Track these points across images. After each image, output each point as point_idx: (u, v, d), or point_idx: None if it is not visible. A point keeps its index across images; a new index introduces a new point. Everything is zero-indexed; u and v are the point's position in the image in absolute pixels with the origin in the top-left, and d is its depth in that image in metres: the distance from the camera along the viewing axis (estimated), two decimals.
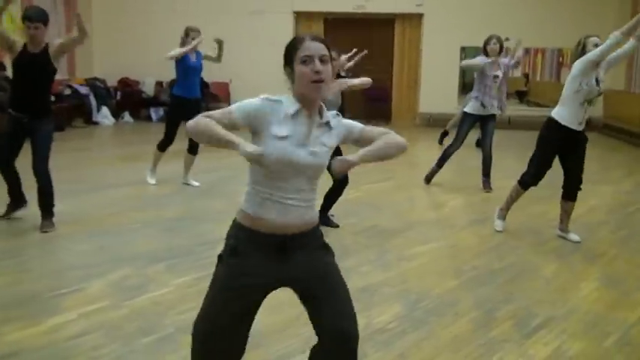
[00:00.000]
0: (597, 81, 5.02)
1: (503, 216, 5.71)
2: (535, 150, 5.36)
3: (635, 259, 5.06)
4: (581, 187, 5.38)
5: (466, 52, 14.29)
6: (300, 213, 2.21)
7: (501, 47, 7.04)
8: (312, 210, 2.28)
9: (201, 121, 2.09)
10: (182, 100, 6.94)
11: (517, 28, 13.03)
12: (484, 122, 7.22)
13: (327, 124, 2.26)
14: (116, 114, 13.75)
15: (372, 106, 14.45)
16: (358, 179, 7.74)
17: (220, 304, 2.23)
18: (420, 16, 14.18)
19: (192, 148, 7.11)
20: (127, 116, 13.92)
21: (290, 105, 2.18)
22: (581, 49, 5.06)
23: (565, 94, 5.11)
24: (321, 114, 2.25)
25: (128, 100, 14.07)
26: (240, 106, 2.17)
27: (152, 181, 7.24)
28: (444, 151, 7.42)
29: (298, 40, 2.20)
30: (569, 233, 5.46)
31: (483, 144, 7.33)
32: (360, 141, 2.32)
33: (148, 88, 14.24)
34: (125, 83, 14.25)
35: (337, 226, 5.53)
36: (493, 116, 7.23)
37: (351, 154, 2.23)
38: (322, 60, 2.15)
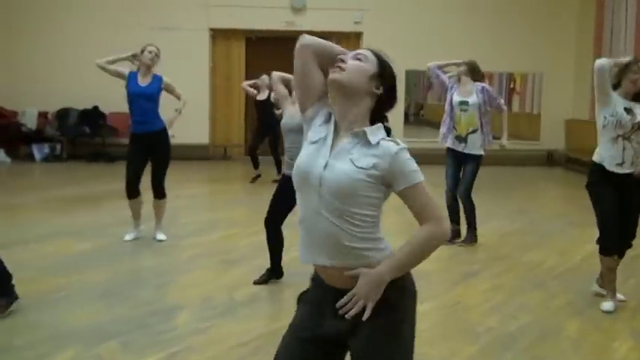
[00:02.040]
0: (629, 110, 5.08)
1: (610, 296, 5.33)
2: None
3: None
4: (633, 243, 5.36)
5: (409, 76, 14.77)
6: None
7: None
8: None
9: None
10: (131, 137, 6.88)
11: (464, 50, 13.60)
12: (462, 160, 7.18)
13: (364, 137, 2.22)
14: None
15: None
16: None
17: None
18: (358, 35, 14.54)
19: (158, 192, 6.98)
20: (1, 155, 13.29)
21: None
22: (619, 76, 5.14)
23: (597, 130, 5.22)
24: (353, 128, 2.27)
25: (2, 134, 13.45)
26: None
27: (160, 236, 7.10)
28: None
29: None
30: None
31: (459, 187, 7.16)
32: (403, 200, 2.24)
33: (29, 121, 13.69)
34: None
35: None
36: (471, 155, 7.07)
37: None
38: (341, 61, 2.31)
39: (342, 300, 2.17)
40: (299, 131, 5.13)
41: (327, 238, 2.18)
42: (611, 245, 5.18)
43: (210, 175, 12.91)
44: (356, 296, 2.16)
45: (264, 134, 11.26)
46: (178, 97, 7.03)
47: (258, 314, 5.06)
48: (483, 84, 7.12)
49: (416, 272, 6.31)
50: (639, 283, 6.09)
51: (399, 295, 2.24)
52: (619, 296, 5.43)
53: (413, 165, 2.17)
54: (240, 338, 4.50)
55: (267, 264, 5.75)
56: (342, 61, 2.26)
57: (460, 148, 7.02)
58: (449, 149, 7.13)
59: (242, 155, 14.26)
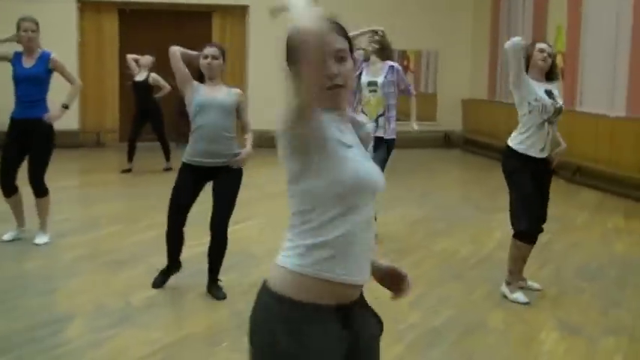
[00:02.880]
0: (551, 94, 5.27)
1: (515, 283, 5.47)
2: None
3: (582, 299, 5.51)
4: (544, 227, 5.55)
5: None
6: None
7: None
8: None
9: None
10: (10, 123, 6.53)
11: (359, 25, 13.71)
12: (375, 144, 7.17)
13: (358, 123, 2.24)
14: None
15: (182, 123, 14.23)
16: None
17: None
18: (244, 8, 14.34)
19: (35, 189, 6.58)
20: None
21: None
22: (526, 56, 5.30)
23: (519, 117, 5.35)
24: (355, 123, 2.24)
25: None
26: None
27: (40, 239, 6.63)
28: None
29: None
30: (528, 281, 5.62)
31: None
32: None
33: None
34: None
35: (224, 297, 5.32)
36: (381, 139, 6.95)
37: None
38: (341, 58, 2.08)
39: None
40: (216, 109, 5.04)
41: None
42: (535, 232, 5.34)
43: (82, 165, 12.38)
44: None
45: (143, 120, 10.92)
46: (70, 81, 6.69)
47: (158, 321, 4.89)
48: (393, 63, 7.10)
49: None
50: (556, 269, 6.32)
51: None
52: (534, 284, 5.64)
53: None
54: (143, 350, 4.33)
55: (160, 263, 5.58)
56: (335, 76, 2.06)
57: (377, 132, 6.97)
58: None
59: (117, 142, 13.82)
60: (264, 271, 2.11)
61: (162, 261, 5.62)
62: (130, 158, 10.94)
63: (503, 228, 7.65)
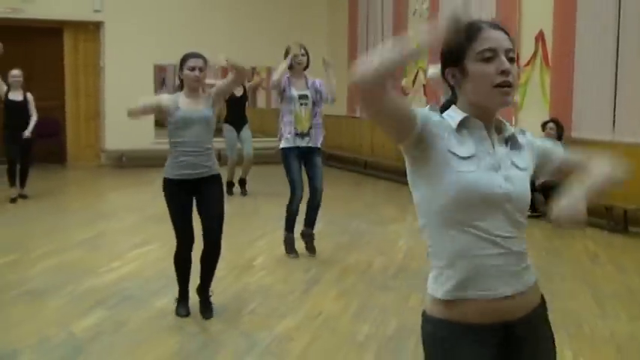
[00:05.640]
0: None
1: None
2: None
3: None
4: None
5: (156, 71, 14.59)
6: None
7: (308, 60, 7.23)
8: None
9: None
10: None
11: (214, 43, 13.75)
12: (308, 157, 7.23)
13: (513, 139, 2.15)
14: None
15: (39, 143, 13.65)
16: (117, 244, 7.50)
17: None
18: (98, 24, 13.98)
19: None
20: None
21: (452, 116, 2.08)
22: None
23: None
24: (499, 127, 2.15)
25: None
26: (419, 108, 2.04)
27: None
28: (287, 210, 7.29)
29: (473, 27, 2.05)
30: None
31: (312, 185, 7.25)
32: (561, 172, 2.25)
33: None
34: None
35: (208, 318, 5.26)
36: (316, 149, 7.23)
37: (572, 191, 2.06)
38: (510, 59, 2.03)
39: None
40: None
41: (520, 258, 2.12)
42: None
43: None
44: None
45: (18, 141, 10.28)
46: None
47: (115, 350, 4.72)
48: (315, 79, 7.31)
49: (256, 287, 6.32)
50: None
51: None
52: None
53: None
54: None
55: (78, 289, 5.59)
56: (506, 74, 2.02)
57: (304, 142, 7.11)
58: (289, 149, 7.12)
59: None
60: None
61: (80, 288, 5.75)
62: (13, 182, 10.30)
63: (403, 238, 8.09)
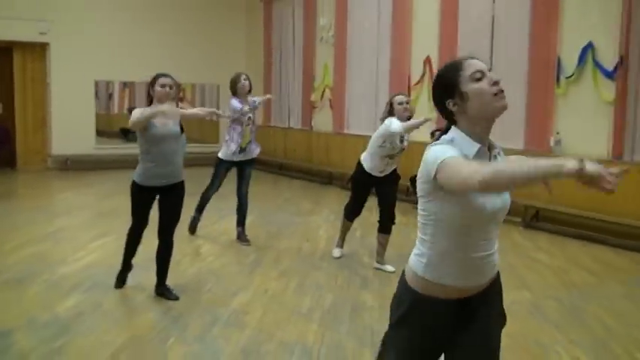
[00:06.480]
0: (402, 139, 6.01)
1: (341, 245, 6.72)
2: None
3: None
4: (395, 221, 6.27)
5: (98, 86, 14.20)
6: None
7: (250, 84, 7.16)
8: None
9: (488, 169, 1.85)
10: None
11: (149, 62, 13.54)
12: (241, 167, 7.27)
13: (499, 155, 2.24)
14: None
15: None
16: (78, 237, 7.36)
17: None
18: (44, 45, 13.50)
19: None
20: None
21: (465, 144, 2.12)
22: (390, 107, 5.94)
23: (371, 145, 6.06)
24: (491, 145, 2.21)
25: None
26: (451, 151, 2.04)
27: None
28: (201, 196, 7.44)
29: (456, 63, 2.17)
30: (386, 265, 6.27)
31: (240, 192, 7.32)
32: None
33: None
34: None
35: (177, 298, 5.22)
36: (251, 161, 7.30)
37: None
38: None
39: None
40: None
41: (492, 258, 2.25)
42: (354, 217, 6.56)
43: None
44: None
45: None
46: None
47: (100, 326, 4.59)
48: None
49: (207, 270, 6.28)
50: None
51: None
52: (389, 267, 6.21)
53: None
54: (104, 351, 4.13)
55: (52, 276, 5.63)
56: (498, 84, 2.11)
57: (241, 157, 7.14)
58: (226, 161, 7.17)
59: None
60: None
61: (54, 276, 5.71)
62: None
63: (322, 228, 8.22)
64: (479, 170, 1.86)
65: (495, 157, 2.22)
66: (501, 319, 2.38)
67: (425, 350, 2.29)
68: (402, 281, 2.32)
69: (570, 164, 1.71)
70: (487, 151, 2.18)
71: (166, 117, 5.02)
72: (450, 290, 2.20)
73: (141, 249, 5.43)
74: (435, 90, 2.23)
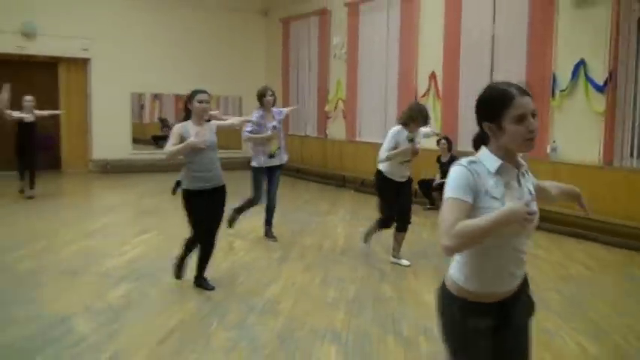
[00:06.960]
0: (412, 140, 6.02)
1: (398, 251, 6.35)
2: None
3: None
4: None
5: (133, 98, 14.29)
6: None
7: (275, 99, 7.20)
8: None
9: (454, 232, 1.95)
10: None
11: (180, 77, 13.71)
12: (272, 171, 7.25)
13: (527, 171, 2.27)
14: None
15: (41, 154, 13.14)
16: (122, 233, 7.37)
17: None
18: (86, 60, 13.60)
19: None
20: None
21: (490, 161, 2.15)
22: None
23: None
24: (518, 163, 2.22)
25: None
26: (459, 187, 2.07)
27: None
28: (246, 202, 7.37)
29: (507, 96, 2.12)
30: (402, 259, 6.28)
31: (270, 194, 7.31)
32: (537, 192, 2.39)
33: None
34: None
35: (213, 288, 5.26)
36: (279, 166, 7.30)
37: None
38: (533, 115, 2.13)
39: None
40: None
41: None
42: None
43: None
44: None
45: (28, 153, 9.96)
46: None
47: (149, 313, 4.69)
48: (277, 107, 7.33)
49: (240, 264, 6.29)
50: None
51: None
52: (404, 262, 6.23)
53: None
54: (158, 333, 4.23)
55: (101, 268, 5.69)
56: (533, 132, 2.13)
57: (272, 162, 7.17)
58: (260, 168, 7.15)
59: None
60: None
61: (102, 268, 5.80)
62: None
63: (340, 226, 8.26)
64: (449, 232, 1.97)
65: (523, 174, 2.24)
66: (532, 308, 2.41)
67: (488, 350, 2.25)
68: (446, 294, 2.27)
69: (507, 210, 1.96)
70: (515, 168, 2.20)
71: (202, 128, 5.08)
72: (492, 295, 2.21)
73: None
74: (480, 107, 2.23)
